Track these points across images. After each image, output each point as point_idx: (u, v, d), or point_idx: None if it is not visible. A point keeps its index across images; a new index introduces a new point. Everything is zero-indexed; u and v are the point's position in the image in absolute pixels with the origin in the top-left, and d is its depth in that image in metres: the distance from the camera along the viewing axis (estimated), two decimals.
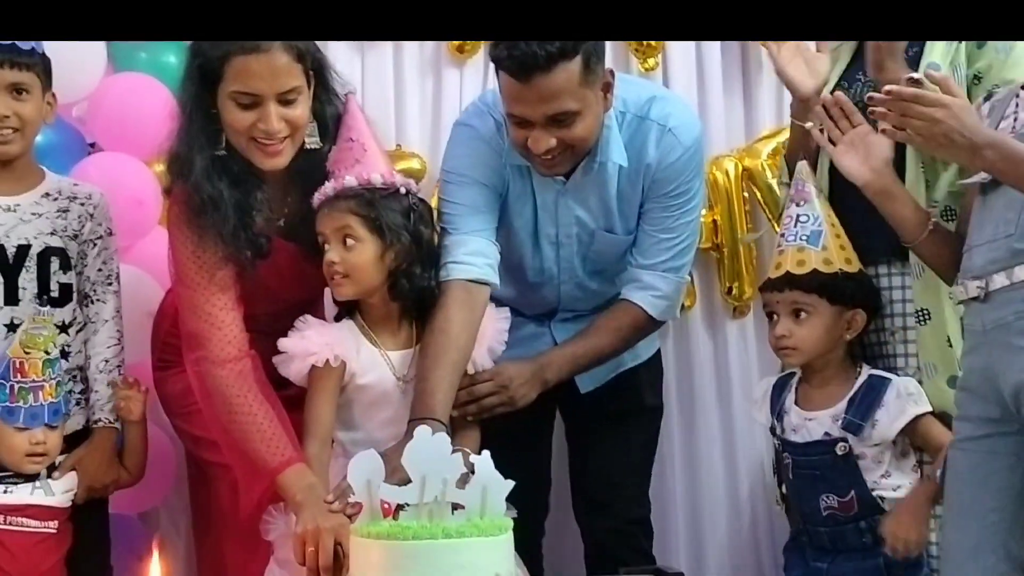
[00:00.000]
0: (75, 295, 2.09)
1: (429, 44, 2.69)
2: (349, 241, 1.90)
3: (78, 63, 2.29)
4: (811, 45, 2.13)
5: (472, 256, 2.02)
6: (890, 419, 1.93)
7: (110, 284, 2.13)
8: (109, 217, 2.14)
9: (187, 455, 2.16)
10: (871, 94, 1.66)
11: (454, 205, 2.07)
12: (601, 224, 2.12)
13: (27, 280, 2.03)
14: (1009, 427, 1.67)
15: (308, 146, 1.93)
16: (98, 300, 2.11)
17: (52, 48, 2.09)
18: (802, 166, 2.06)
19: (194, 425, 2.03)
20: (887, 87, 1.64)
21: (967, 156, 1.62)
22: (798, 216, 2.01)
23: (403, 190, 1.95)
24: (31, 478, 1.97)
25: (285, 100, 1.85)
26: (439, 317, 1.96)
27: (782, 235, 2.04)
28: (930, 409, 1.94)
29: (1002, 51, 1.91)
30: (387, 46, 2.66)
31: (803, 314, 1.98)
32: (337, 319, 2.01)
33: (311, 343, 1.92)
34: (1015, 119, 1.67)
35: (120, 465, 2.08)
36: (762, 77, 2.72)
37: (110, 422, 2.07)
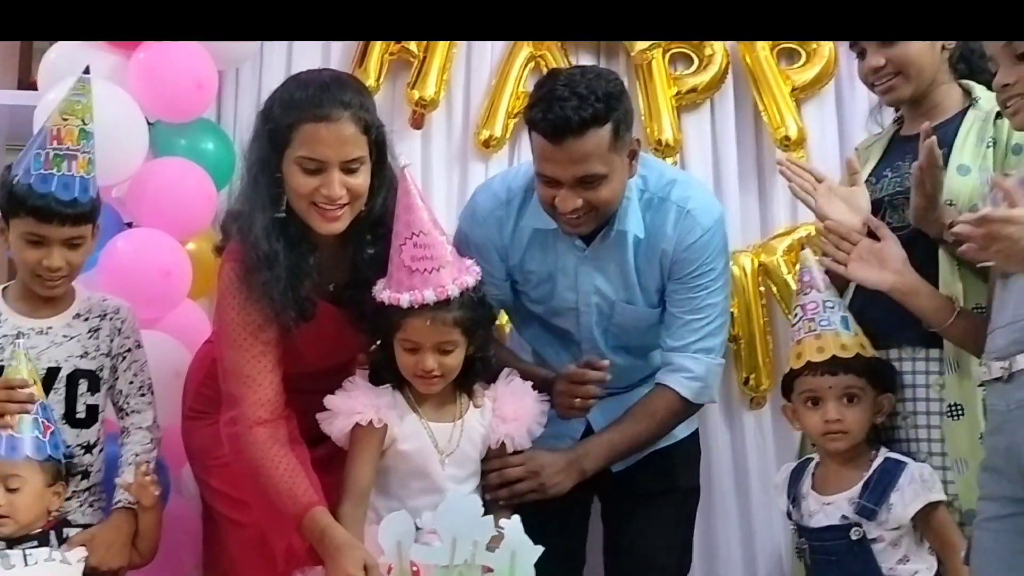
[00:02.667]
0: (101, 414, 2.11)
1: (456, 136, 2.81)
2: (447, 348, 1.92)
3: (121, 147, 2.37)
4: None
5: None
6: (904, 504, 1.93)
7: (143, 395, 2.15)
8: (137, 330, 2.18)
9: (204, 511, 2.16)
10: (958, 227, 1.67)
11: None
12: (622, 296, 2.16)
13: (55, 401, 2.05)
14: None
15: (362, 215, 1.97)
16: (133, 411, 2.14)
17: (100, 137, 2.12)
18: (806, 255, 2.12)
19: (217, 479, 2.05)
20: (981, 214, 1.64)
21: None
22: (824, 302, 2.03)
23: (480, 276, 1.98)
24: (44, 543, 1.94)
25: (348, 168, 1.90)
26: None
27: (811, 320, 2.03)
28: (944, 498, 1.94)
29: None
30: (416, 137, 2.77)
31: (855, 398, 1.99)
32: (372, 380, 2.01)
33: (357, 403, 1.93)
34: None
35: (133, 548, 2.06)
36: (776, 178, 2.80)
37: (130, 503, 2.05)
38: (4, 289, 2.13)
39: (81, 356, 2.09)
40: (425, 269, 1.88)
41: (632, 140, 2.04)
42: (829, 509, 1.99)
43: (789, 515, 2.08)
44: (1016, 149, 1.98)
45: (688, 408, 2.16)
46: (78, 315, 2.11)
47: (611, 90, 1.97)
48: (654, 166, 2.18)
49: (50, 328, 2.08)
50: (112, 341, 2.13)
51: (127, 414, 2.14)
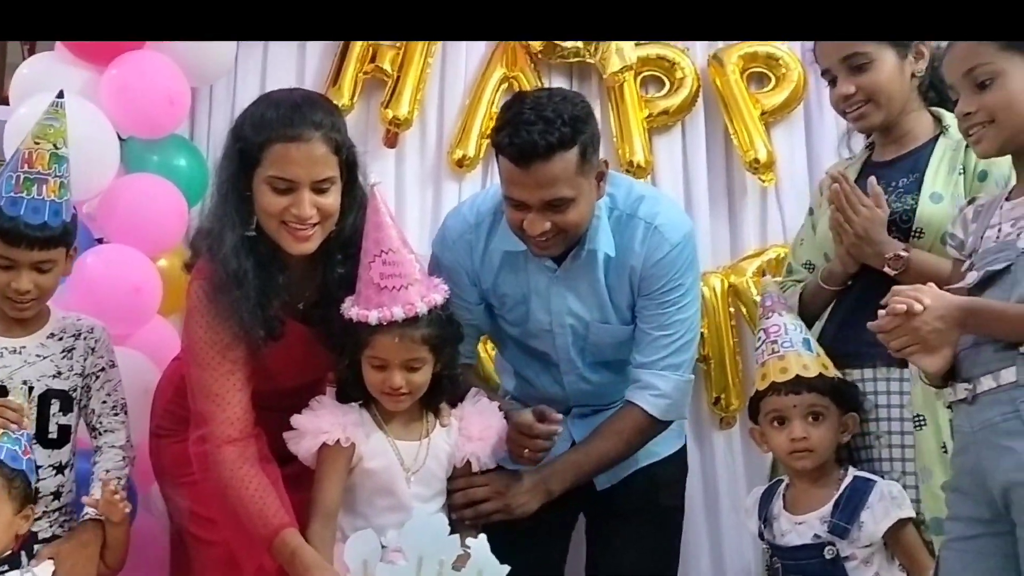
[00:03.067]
0: (73, 435, 2.10)
1: (429, 156, 2.82)
2: (415, 365, 1.92)
3: (92, 163, 2.36)
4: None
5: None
6: (875, 521, 1.95)
7: (116, 415, 2.14)
8: (111, 349, 2.17)
9: (172, 529, 2.14)
10: (872, 325, 1.71)
11: None
12: (595, 316, 2.16)
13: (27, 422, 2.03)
14: (999, 527, 1.68)
15: (332, 235, 1.97)
16: (107, 430, 2.13)
17: (72, 153, 2.10)
18: (767, 281, 2.17)
19: (185, 497, 2.04)
20: (875, 324, 1.69)
21: (959, 334, 1.69)
22: (785, 324, 2.07)
23: (448, 295, 1.99)
24: (15, 565, 1.93)
25: (319, 188, 1.90)
26: None
27: (774, 342, 2.06)
28: (912, 515, 1.96)
29: (1000, 185, 1.97)
30: (390, 156, 2.78)
31: (820, 417, 2.01)
32: (339, 398, 2.01)
33: (324, 422, 1.93)
34: (999, 229, 1.73)
35: (100, 560, 2.03)
36: (746, 200, 2.86)
37: (97, 514, 2.03)
38: None
39: (54, 376, 2.07)
40: (394, 286, 1.89)
41: (600, 162, 2.04)
42: (801, 528, 2.00)
43: (761, 536, 2.09)
44: (982, 176, 2.01)
45: (656, 425, 2.15)
46: (52, 335, 2.10)
47: (578, 113, 1.97)
48: (622, 183, 2.19)
49: (23, 347, 2.06)
50: (86, 360, 2.11)
51: (100, 433, 2.12)
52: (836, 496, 1.98)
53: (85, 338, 2.12)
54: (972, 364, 1.72)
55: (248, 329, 1.92)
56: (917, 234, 2.02)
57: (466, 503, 2.03)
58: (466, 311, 2.12)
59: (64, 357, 2.09)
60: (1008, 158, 1.82)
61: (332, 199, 1.92)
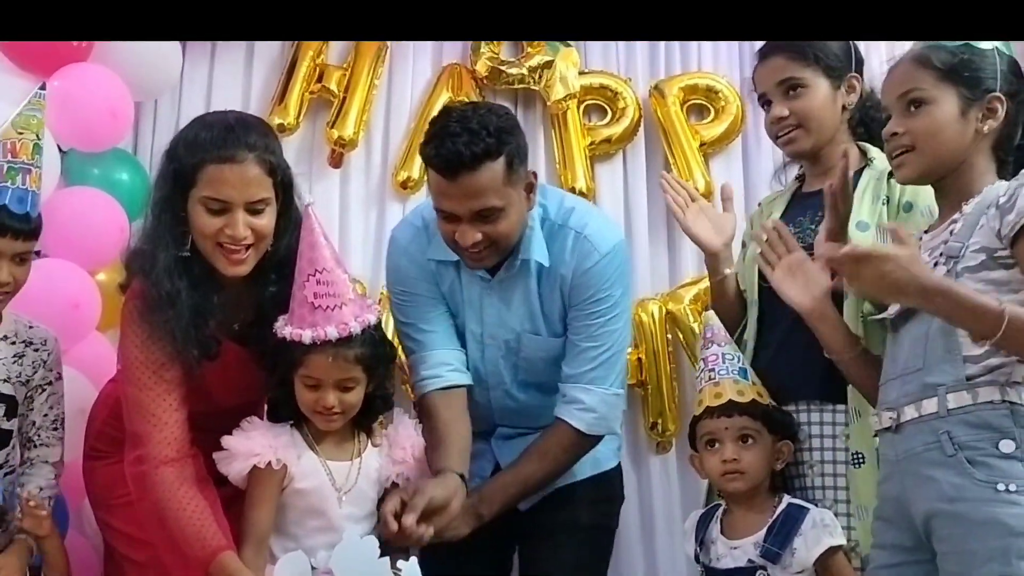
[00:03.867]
0: (13, 440, 2.07)
1: (375, 176, 2.83)
2: (348, 385, 1.93)
3: None
4: (716, 205, 2.28)
5: (439, 367, 2.13)
6: (807, 548, 1.98)
7: (55, 429, 2.12)
8: (60, 361, 2.15)
9: (105, 551, 2.12)
10: (829, 256, 1.77)
11: (409, 325, 2.17)
12: (527, 327, 2.16)
13: None
14: (921, 555, 1.72)
15: (267, 255, 1.97)
16: (42, 444, 2.11)
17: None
18: (709, 314, 2.19)
19: (119, 518, 2.02)
20: (843, 252, 1.70)
21: (918, 302, 1.69)
22: (723, 355, 2.11)
23: (380, 316, 2.01)
24: None
25: (253, 209, 1.90)
26: (426, 428, 2.06)
27: (711, 370, 2.10)
28: (843, 543, 2.00)
29: (926, 215, 2.01)
30: (335, 176, 2.78)
31: (750, 440, 2.04)
32: (271, 418, 2.01)
33: (255, 443, 1.92)
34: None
35: None
36: None
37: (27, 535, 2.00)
38: None
39: (3, 380, 2.05)
40: (328, 306, 1.88)
41: (528, 173, 2.06)
42: (736, 553, 2.03)
43: (697, 559, 2.12)
44: (907, 207, 2.06)
45: (584, 441, 2.15)
46: (4, 337, 2.07)
47: (502, 124, 1.99)
48: (554, 195, 2.20)
49: None
50: (35, 372, 2.09)
51: (35, 446, 2.10)
52: (770, 522, 2.02)
53: (37, 349, 2.11)
54: (896, 394, 1.77)
55: (182, 349, 1.91)
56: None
57: (395, 531, 1.99)
58: (432, 302, 2.16)
59: (14, 362, 2.07)
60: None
61: (266, 220, 1.93)
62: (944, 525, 1.67)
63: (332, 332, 1.88)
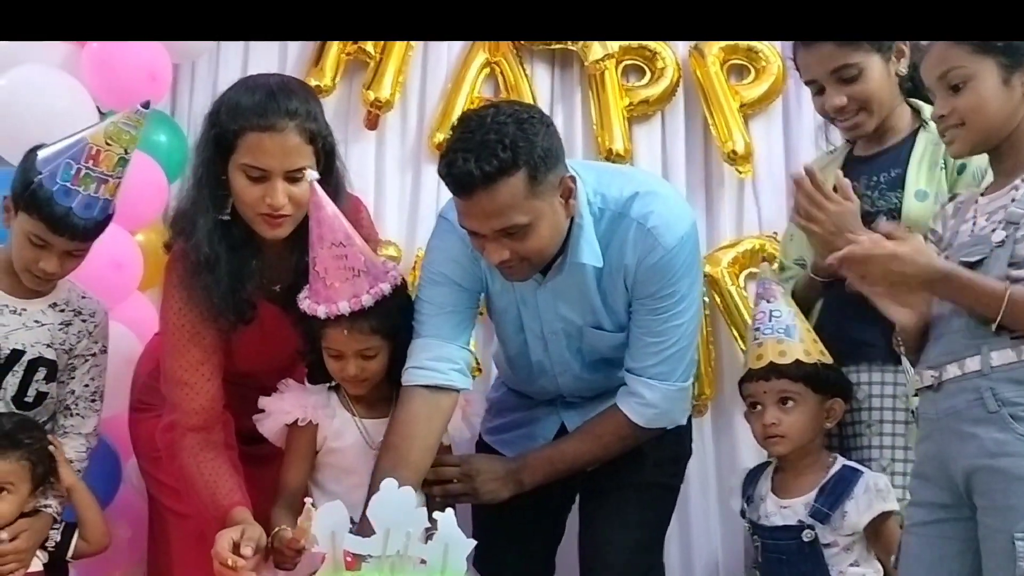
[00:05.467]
0: (48, 402, 2.11)
1: (410, 138, 2.82)
2: (368, 354, 1.94)
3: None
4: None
5: (436, 361, 1.99)
6: (858, 512, 1.97)
7: (93, 401, 2.15)
8: (106, 335, 2.17)
9: (149, 502, 2.16)
10: (831, 258, 1.73)
11: (426, 304, 2.04)
12: (589, 320, 2.06)
13: (10, 383, 2.06)
14: (960, 513, 1.72)
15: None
16: (77, 414, 2.13)
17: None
18: (765, 267, 2.16)
19: (162, 471, 2.05)
20: (844, 253, 1.69)
21: (925, 290, 1.71)
22: (771, 311, 2.07)
23: (399, 281, 2.00)
24: None
25: (292, 178, 1.90)
26: (398, 433, 1.94)
27: (757, 329, 2.08)
28: (896, 508, 1.98)
29: (977, 177, 1.99)
30: (371, 137, 2.78)
31: (790, 402, 2.02)
32: (310, 380, 2.03)
33: (286, 403, 1.97)
34: (973, 223, 1.77)
35: (80, 539, 2.05)
36: (723, 191, 2.87)
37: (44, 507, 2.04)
38: None
39: (47, 345, 2.08)
40: (339, 279, 1.90)
41: (561, 179, 1.90)
42: (786, 512, 2.03)
43: (743, 514, 2.11)
44: (960, 168, 2.04)
45: (641, 432, 2.07)
46: (55, 304, 2.10)
47: (519, 135, 1.82)
48: (614, 178, 2.04)
49: (24, 310, 2.07)
50: (79, 342, 2.12)
51: (71, 415, 2.12)
52: (822, 482, 2.01)
53: (85, 320, 2.13)
54: (938, 352, 1.75)
55: (219, 313, 1.93)
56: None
57: (435, 481, 2.04)
58: (463, 294, 2.05)
59: (60, 329, 2.10)
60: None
61: (305, 188, 1.92)
62: (985, 480, 1.65)
63: (344, 307, 1.89)
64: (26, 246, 1.99)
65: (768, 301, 2.09)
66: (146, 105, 2.03)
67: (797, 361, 2.02)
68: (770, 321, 2.06)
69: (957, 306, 1.70)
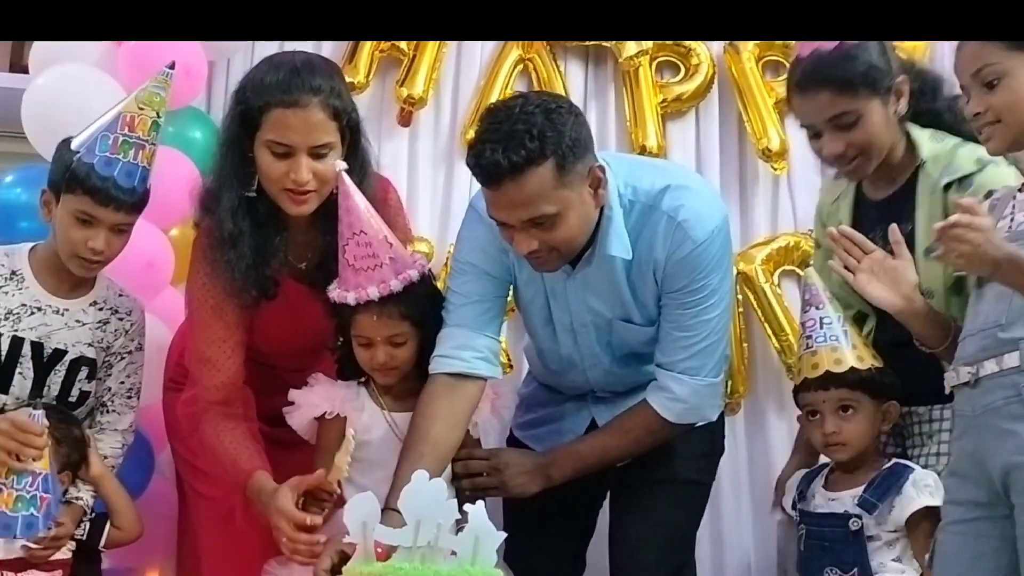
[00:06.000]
0: (89, 401, 2.13)
1: (443, 135, 2.83)
2: (398, 340, 1.96)
3: None
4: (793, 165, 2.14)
5: (460, 350, 1.99)
6: (902, 507, 1.96)
7: (130, 398, 2.16)
8: (143, 332, 2.19)
9: (178, 486, 2.19)
10: (937, 225, 1.69)
11: (453, 294, 2.05)
12: (618, 313, 2.05)
13: (53, 382, 2.08)
14: (997, 511, 1.70)
15: (335, 197, 1.98)
16: (114, 411, 2.15)
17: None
18: (810, 272, 2.11)
19: (192, 451, 2.08)
20: (950, 220, 1.66)
21: (991, 270, 1.67)
22: (821, 319, 2.04)
23: (426, 269, 2.02)
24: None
25: (317, 154, 1.92)
26: (420, 414, 1.96)
27: (808, 337, 2.05)
28: (939, 504, 1.95)
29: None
30: (404, 134, 2.79)
31: (850, 410, 2.01)
32: (340, 376, 2.05)
33: (315, 396, 1.99)
34: (1012, 219, 1.74)
35: (113, 527, 2.07)
36: (758, 188, 2.86)
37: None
38: (32, 250, 2.12)
39: (88, 344, 2.10)
40: (367, 267, 1.92)
41: (590, 168, 1.89)
42: (834, 504, 2.02)
43: (793, 506, 2.10)
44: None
45: (670, 427, 2.06)
46: (95, 303, 2.12)
47: (547, 125, 1.82)
48: (646, 170, 2.04)
49: (67, 310, 2.09)
50: (116, 340, 2.14)
51: (108, 411, 2.14)
52: (872, 476, 2.00)
53: (122, 318, 2.15)
54: (975, 348, 1.73)
55: (242, 288, 1.95)
56: (927, 295, 1.97)
57: (464, 474, 2.04)
58: (491, 283, 2.04)
59: (99, 328, 2.12)
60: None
61: (330, 164, 1.94)
62: (1023, 478, 1.63)
63: (374, 292, 1.91)
64: (73, 226, 2.00)
65: (817, 308, 2.05)
66: (171, 66, 2.06)
67: (852, 368, 2.01)
68: (821, 328, 2.03)
69: (1016, 289, 1.65)
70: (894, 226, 1.94)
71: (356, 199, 1.92)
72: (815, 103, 1.96)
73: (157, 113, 2.01)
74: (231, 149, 1.96)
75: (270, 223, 1.98)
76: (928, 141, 2.02)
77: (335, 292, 1.95)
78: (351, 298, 1.93)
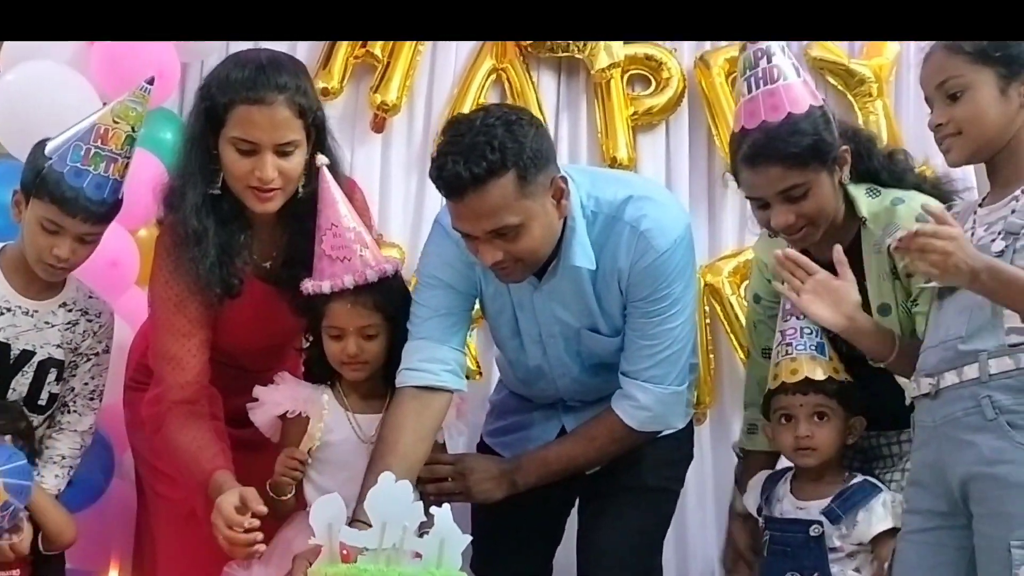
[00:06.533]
0: (58, 403, 2.11)
1: (416, 142, 2.84)
2: (369, 332, 1.97)
3: None
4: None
5: (427, 362, 2.00)
6: (870, 524, 1.99)
7: (92, 399, 2.15)
8: (111, 335, 2.18)
9: (136, 484, 2.17)
10: (898, 234, 1.71)
11: (419, 307, 2.05)
12: (585, 323, 2.07)
13: (20, 383, 2.06)
14: (956, 520, 1.73)
15: (300, 195, 2.00)
16: (75, 411, 2.13)
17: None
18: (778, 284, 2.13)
19: (151, 451, 2.07)
20: (912, 230, 1.67)
21: (967, 281, 1.67)
22: (802, 328, 2.07)
23: (399, 267, 2.06)
24: None
25: (282, 151, 1.93)
26: (387, 426, 1.96)
27: (789, 344, 2.08)
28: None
29: None
30: (377, 140, 2.80)
31: (824, 417, 2.05)
32: (307, 378, 2.06)
33: (280, 394, 1.99)
34: (972, 234, 1.77)
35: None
36: (726, 200, 2.89)
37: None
38: (1, 250, 2.11)
39: (56, 346, 2.09)
40: (344, 257, 1.95)
41: (552, 179, 1.91)
42: (801, 513, 2.05)
43: (759, 511, 2.13)
44: (909, 273, 1.96)
45: (636, 435, 2.08)
46: (64, 304, 2.11)
47: (508, 136, 1.84)
48: (608, 182, 2.06)
49: (36, 311, 2.07)
50: (84, 341, 2.12)
51: (69, 411, 2.13)
52: (840, 489, 2.03)
53: (91, 320, 2.13)
54: (936, 360, 1.76)
55: (205, 286, 1.95)
56: (883, 311, 2.01)
57: (429, 479, 2.04)
58: (457, 296, 2.06)
59: (68, 329, 2.10)
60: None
61: (295, 162, 1.95)
62: (982, 487, 1.66)
63: (349, 280, 1.94)
64: (39, 233, 2.00)
65: (798, 318, 2.08)
66: (150, 81, 2.04)
67: (831, 378, 2.05)
68: (803, 337, 2.06)
69: (994, 300, 1.67)
70: (838, 246, 1.96)
71: (334, 193, 1.96)
72: (766, 177, 1.96)
73: (132, 128, 2.00)
74: (195, 146, 1.96)
75: (234, 221, 1.98)
76: (865, 198, 2.03)
77: (309, 284, 1.97)
78: (326, 286, 1.95)
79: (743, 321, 2.72)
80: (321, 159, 1.96)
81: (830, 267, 1.99)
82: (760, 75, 1.97)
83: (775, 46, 2.00)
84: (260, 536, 1.79)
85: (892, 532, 1.95)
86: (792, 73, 1.99)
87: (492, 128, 1.85)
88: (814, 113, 1.96)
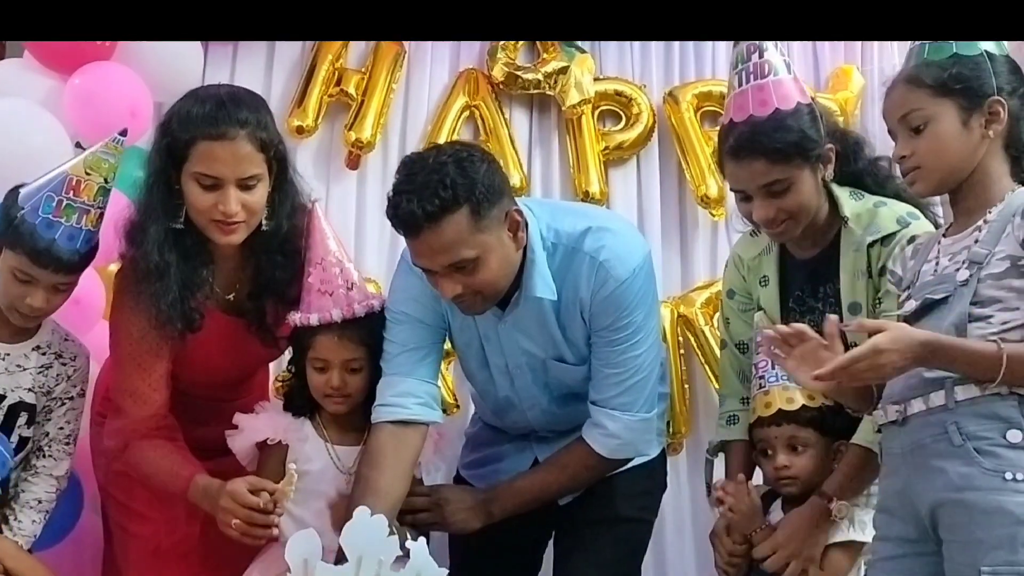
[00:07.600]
0: (28, 447, 2.10)
1: (391, 178, 2.75)
2: (354, 366, 2.01)
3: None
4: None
5: (401, 397, 2.02)
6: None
7: (67, 444, 2.14)
8: (87, 379, 2.18)
9: (104, 522, 2.17)
10: (821, 373, 1.71)
11: (390, 343, 2.07)
12: (551, 354, 2.10)
13: None
14: (926, 547, 1.73)
15: (264, 228, 2.02)
16: (50, 456, 2.12)
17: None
18: (761, 316, 2.15)
19: (117, 487, 2.08)
20: (829, 369, 1.70)
21: (920, 366, 1.70)
22: (772, 361, 2.04)
23: (383, 305, 2.08)
24: None
25: (245, 185, 1.95)
26: (367, 465, 1.98)
27: (761, 377, 2.10)
28: (854, 540, 2.01)
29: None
30: (352, 177, 2.82)
31: (800, 447, 2.07)
32: (287, 409, 2.08)
33: (259, 421, 2.02)
34: (936, 263, 1.80)
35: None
36: (698, 233, 2.93)
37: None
38: None
39: (28, 389, 2.08)
40: (332, 291, 2.01)
41: (507, 212, 1.94)
42: None
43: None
44: (881, 271, 2.02)
45: (607, 463, 2.11)
46: (37, 347, 2.10)
47: (459, 173, 1.88)
48: (567, 214, 2.10)
49: (7, 355, 2.07)
50: (58, 385, 2.12)
51: (43, 456, 2.12)
52: None
53: (65, 363, 2.13)
54: (902, 387, 1.77)
55: (166, 321, 1.96)
56: (853, 309, 2.04)
57: (406, 510, 2.05)
58: (426, 330, 2.08)
59: (40, 372, 2.10)
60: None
61: (258, 195, 1.97)
62: (951, 514, 1.67)
63: (337, 313, 1.99)
64: (12, 283, 2.00)
65: None
66: (123, 133, 2.05)
67: (804, 406, 2.07)
68: (773, 369, 2.08)
69: (951, 371, 1.69)
70: (832, 318, 1.90)
71: (324, 229, 2.04)
72: (749, 171, 1.99)
73: (105, 179, 2.01)
74: (157, 181, 1.98)
75: (197, 255, 2.00)
76: (849, 199, 2.07)
77: (297, 316, 2.01)
78: (315, 318, 2.00)
79: (717, 351, 2.75)
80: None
81: (808, 264, 2.04)
82: (751, 69, 2.01)
83: (768, 42, 2.03)
84: (277, 517, 1.84)
85: (846, 546, 1.99)
86: (783, 69, 2.02)
87: (444, 166, 1.89)
88: (801, 110, 2.00)
